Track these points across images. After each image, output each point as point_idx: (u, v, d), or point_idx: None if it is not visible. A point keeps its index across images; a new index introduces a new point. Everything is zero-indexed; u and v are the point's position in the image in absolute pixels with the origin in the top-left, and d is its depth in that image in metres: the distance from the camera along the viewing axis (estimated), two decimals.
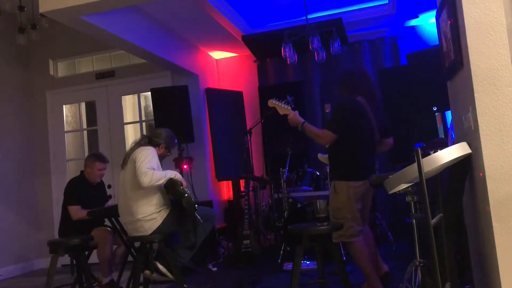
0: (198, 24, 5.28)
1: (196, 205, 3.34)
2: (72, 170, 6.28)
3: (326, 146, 3.34)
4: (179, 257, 3.48)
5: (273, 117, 5.11)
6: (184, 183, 3.42)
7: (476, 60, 1.96)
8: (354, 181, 3.14)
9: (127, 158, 3.48)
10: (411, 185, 2.24)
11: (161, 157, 3.54)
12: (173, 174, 3.36)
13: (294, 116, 3.31)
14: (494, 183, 1.90)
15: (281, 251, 4.56)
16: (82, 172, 4.35)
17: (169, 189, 3.36)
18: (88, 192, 4.25)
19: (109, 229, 4.11)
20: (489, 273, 2.05)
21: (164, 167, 3.51)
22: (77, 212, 4.09)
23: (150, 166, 3.26)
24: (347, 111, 3.23)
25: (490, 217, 1.90)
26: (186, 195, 3.30)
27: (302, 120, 3.29)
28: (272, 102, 3.41)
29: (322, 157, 3.65)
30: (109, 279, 4.00)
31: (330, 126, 3.21)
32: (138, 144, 3.51)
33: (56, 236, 4.47)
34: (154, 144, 3.53)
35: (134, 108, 6.78)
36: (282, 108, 3.37)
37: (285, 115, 3.35)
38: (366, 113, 3.22)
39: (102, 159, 4.29)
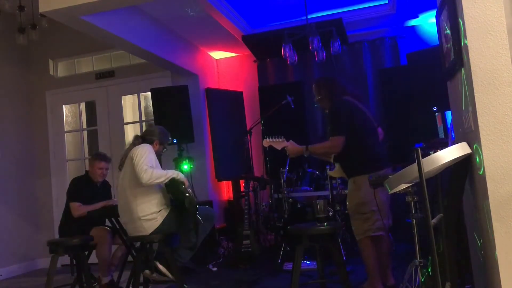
0: (198, 24, 5.27)
1: (197, 205, 3.35)
2: (72, 170, 6.28)
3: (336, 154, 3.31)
4: (179, 257, 3.48)
5: (273, 117, 5.16)
6: (187, 183, 3.43)
7: (476, 60, 1.96)
8: (375, 172, 3.09)
9: (124, 158, 3.50)
10: (411, 185, 2.25)
11: (157, 154, 3.55)
12: (176, 174, 3.37)
13: (291, 145, 3.27)
14: (494, 183, 1.90)
15: (281, 251, 4.56)
16: (87, 171, 4.43)
17: (171, 188, 3.36)
18: (91, 191, 4.28)
19: (108, 228, 4.12)
20: (489, 273, 2.05)
21: (164, 167, 3.51)
22: (77, 208, 4.11)
23: (149, 163, 3.26)
24: (343, 110, 3.27)
25: (490, 217, 1.90)
26: (187, 195, 3.30)
27: (303, 146, 3.25)
28: (267, 141, 3.37)
29: (333, 172, 3.53)
30: (109, 279, 4.00)
31: (335, 131, 3.20)
32: (132, 145, 3.52)
33: (56, 236, 4.47)
34: (148, 142, 3.54)
35: (134, 108, 6.78)
36: (277, 142, 3.34)
37: (284, 148, 3.32)
38: (359, 108, 3.32)
39: (102, 158, 4.37)
